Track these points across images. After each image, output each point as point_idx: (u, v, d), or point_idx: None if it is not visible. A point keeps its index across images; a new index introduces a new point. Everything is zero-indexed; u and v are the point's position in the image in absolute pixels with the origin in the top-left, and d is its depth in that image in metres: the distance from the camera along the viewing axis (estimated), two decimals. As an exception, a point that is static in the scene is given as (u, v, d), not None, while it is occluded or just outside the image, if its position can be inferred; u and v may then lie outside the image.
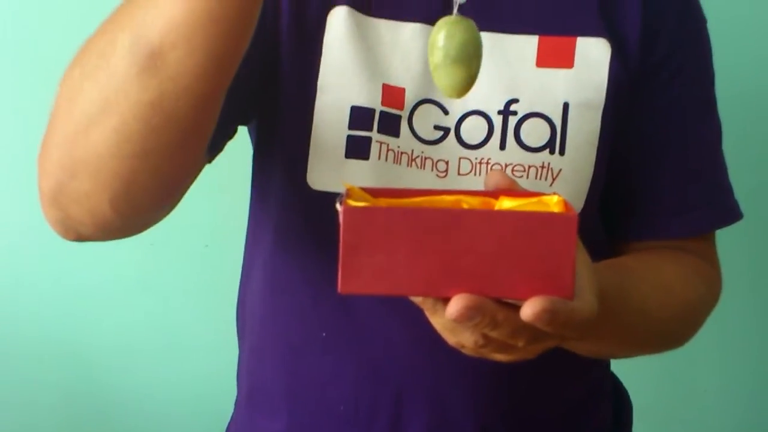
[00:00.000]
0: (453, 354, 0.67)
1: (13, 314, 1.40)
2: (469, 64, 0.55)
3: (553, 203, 0.55)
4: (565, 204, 0.54)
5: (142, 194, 0.64)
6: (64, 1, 1.30)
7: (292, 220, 0.80)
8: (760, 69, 1.34)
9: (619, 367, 0.92)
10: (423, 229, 0.49)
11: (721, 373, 1.50)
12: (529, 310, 0.49)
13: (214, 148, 0.72)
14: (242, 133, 0.82)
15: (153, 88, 0.57)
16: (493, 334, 0.52)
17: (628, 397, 0.94)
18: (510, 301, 0.51)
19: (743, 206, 0.86)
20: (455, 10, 0.56)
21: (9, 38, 1.31)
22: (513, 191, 0.58)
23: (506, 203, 0.57)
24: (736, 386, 1.51)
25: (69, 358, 1.42)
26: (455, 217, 0.50)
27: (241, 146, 0.81)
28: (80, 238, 0.68)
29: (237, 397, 0.90)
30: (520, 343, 0.54)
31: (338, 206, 0.50)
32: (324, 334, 0.79)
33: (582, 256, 0.57)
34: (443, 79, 0.55)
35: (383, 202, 0.56)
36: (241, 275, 0.90)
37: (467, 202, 0.57)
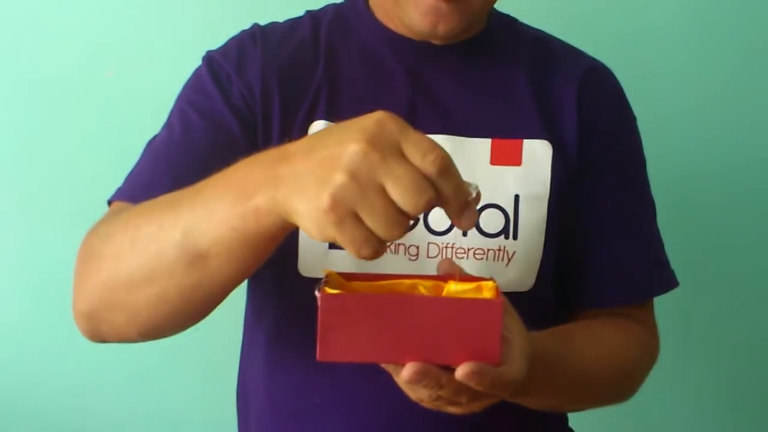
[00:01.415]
0: (427, 413, 0.78)
1: (11, 397, 1.48)
2: None
3: (488, 288, 0.67)
4: (497, 289, 0.67)
5: (167, 332, 0.77)
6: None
7: (288, 304, 0.91)
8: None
9: (577, 421, 1.03)
10: (382, 312, 0.61)
11: (674, 423, 1.59)
12: (460, 371, 0.61)
13: None
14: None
15: (194, 277, 0.67)
16: (441, 392, 0.64)
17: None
18: (452, 366, 0.63)
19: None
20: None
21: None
22: (459, 276, 0.70)
23: (452, 287, 0.69)
24: None
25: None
26: (406, 302, 0.62)
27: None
28: (104, 342, 0.81)
29: None
30: (463, 400, 0.65)
31: (317, 293, 0.63)
32: (318, 401, 0.90)
33: (517, 326, 0.69)
34: None
35: (355, 285, 0.68)
36: (242, 353, 1.01)
37: (422, 285, 0.69)
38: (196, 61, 0.92)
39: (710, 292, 1.52)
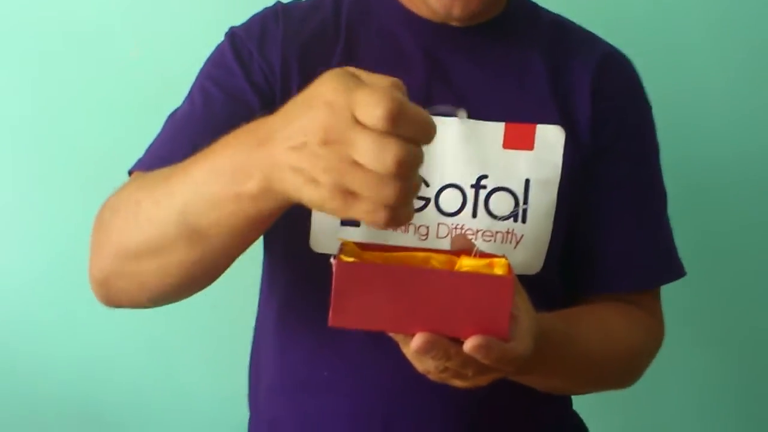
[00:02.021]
0: (435, 390, 0.80)
1: (28, 373, 1.50)
2: None
3: (500, 265, 0.69)
4: (508, 266, 0.68)
5: (179, 296, 0.80)
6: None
7: (299, 279, 0.92)
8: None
9: (581, 405, 1.04)
10: (395, 282, 0.63)
11: (682, 411, 1.60)
12: (468, 344, 0.63)
13: None
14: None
15: (196, 253, 0.71)
16: (448, 364, 0.65)
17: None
18: (461, 339, 0.64)
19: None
20: None
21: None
22: (475, 252, 0.72)
23: (465, 262, 0.71)
24: (699, 424, 1.61)
25: (81, 416, 1.52)
26: (420, 274, 0.64)
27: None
28: (119, 307, 0.84)
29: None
30: (470, 373, 0.67)
31: (332, 260, 0.64)
32: (326, 374, 0.92)
33: (525, 306, 0.70)
34: None
35: (369, 255, 0.69)
36: (256, 324, 1.03)
37: (435, 259, 0.71)
38: (216, 40, 0.94)
39: (718, 283, 1.53)
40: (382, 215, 0.57)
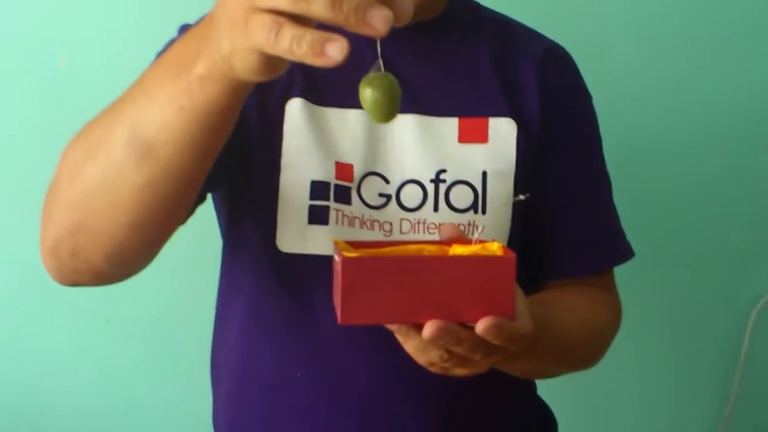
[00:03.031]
0: (408, 386, 0.79)
1: None
2: (392, 100, 0.62)
3: (494, 248, 0.70)
4: (504, 248, 0.69)
5: (131, 252, 0.76)
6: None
7: (265, 278, 0.91)
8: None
9: (544, 391, 1.07)
10: (402, 273, 0.63)
11: (634, 394, 1.68)
12: (481, 325, 0.64)
13: (189, 211, 0.86)
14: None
15: (146, 174, 0.67)
16: (458, 349, 0.66)
17: (553, 415, 1.09)
18: (467, 323, 0.65)
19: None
20: (379, 70, 0.64)
21: None
22: (462, 240, 0.73)
23: (458, 249, 0.71)
24: (651, 403, 1.69)
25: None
26: (425, 262, 0.64)
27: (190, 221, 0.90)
28: (75, 284, 0.79)
29: None
30: (478, 357, 0.68)
31: (336, 257, 0.63)
32: (299, 375, 0.91)
33: (518, 290, 0.71)
34: (375, 113, 0.62)
35: (364, 252, 0.69)
36: (215, 329, 1.01)
37: (428, 250, 0.71)
38: (152, 49, 0.92)
39: (656, 266, 1.60)
40: (272, 29, 0.53)
